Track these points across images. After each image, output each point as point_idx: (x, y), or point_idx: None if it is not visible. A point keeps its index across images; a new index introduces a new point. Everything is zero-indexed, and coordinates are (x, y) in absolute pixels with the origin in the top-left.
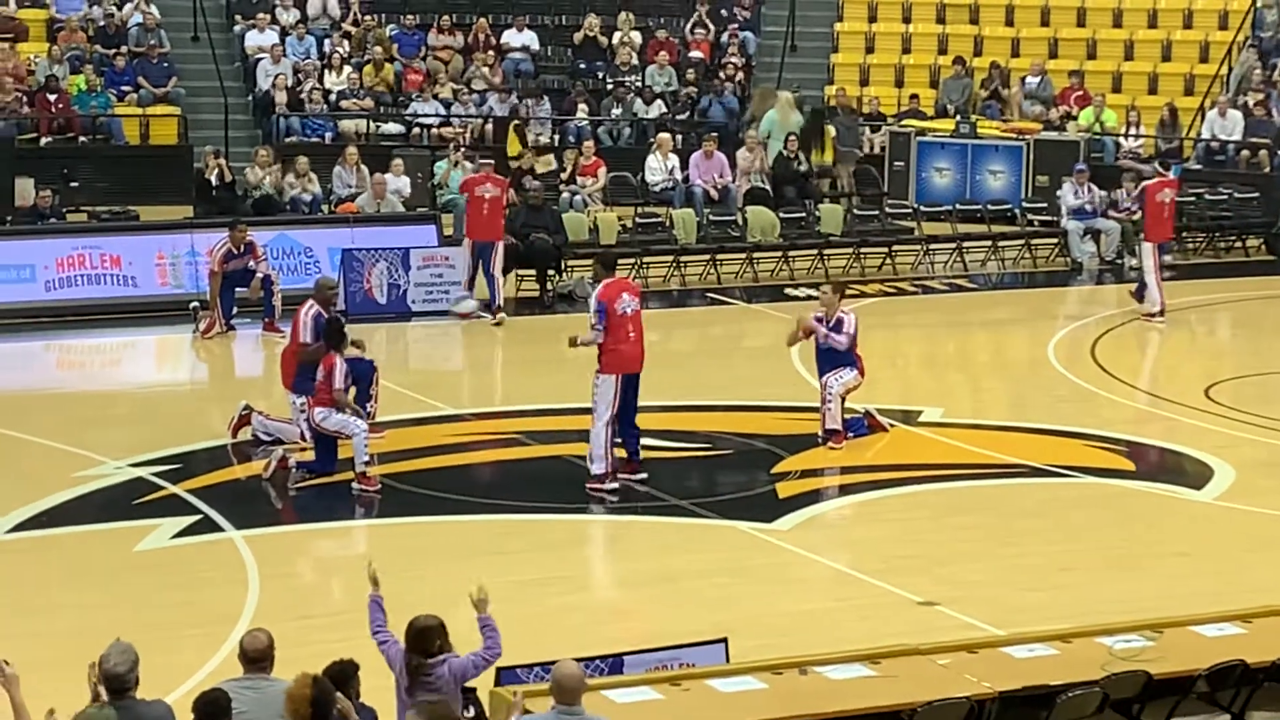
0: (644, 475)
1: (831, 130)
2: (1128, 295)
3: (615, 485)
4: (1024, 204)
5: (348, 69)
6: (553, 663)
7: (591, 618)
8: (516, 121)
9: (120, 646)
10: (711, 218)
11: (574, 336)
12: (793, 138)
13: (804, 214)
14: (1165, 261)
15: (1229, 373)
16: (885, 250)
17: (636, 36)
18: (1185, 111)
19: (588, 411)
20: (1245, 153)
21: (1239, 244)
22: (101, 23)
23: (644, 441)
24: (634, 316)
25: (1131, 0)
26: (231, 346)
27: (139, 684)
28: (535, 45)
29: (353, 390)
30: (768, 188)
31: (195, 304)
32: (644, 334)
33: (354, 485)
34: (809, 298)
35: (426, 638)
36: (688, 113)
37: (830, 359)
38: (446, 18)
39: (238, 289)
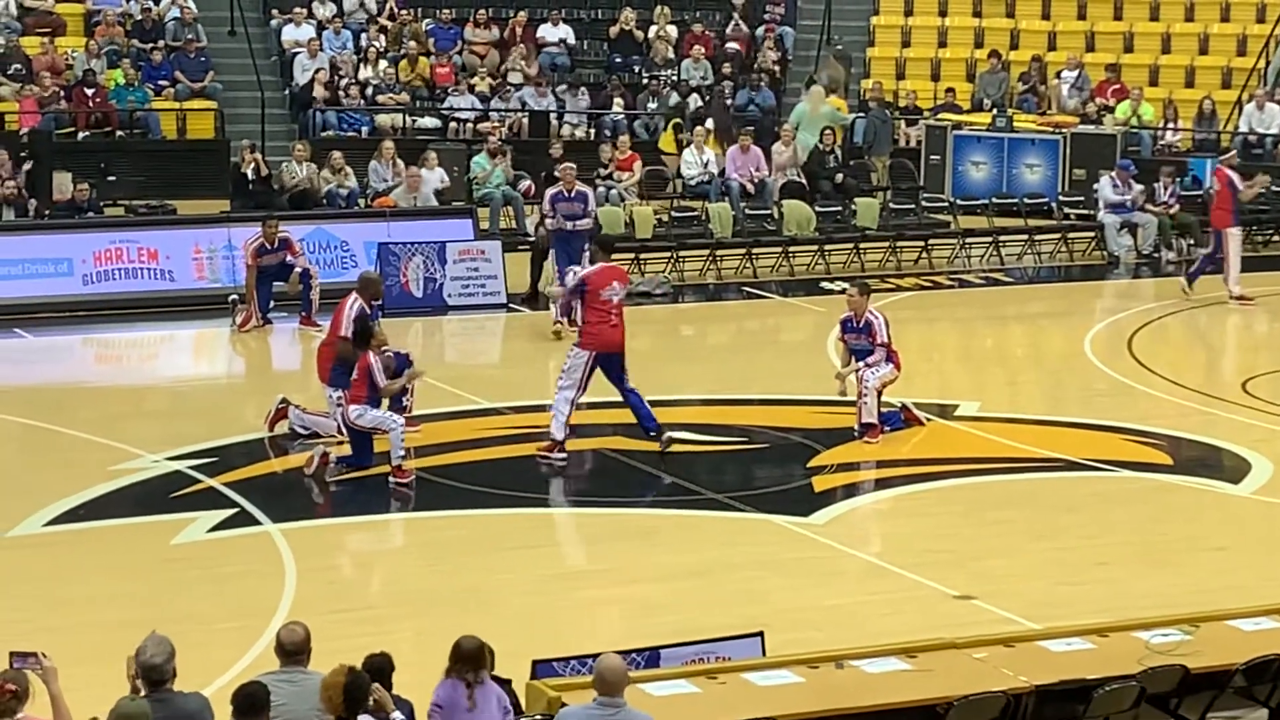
0: (666, 436)
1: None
2: (1178, 288)
3: (563, 456)
4: (1060, 198)
5: (383, 63)
6: (588, 656)
7: (627, 611)
8: (678, 120)
9: (157, 638)
10: (747, 211)
11: (550, 289)
12: (828, 131)
13: (840, 208)
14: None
15: (1267, 366)
16: (921, 244)
17: (673, 30)
18: (1222, 105)
19: (623, 405)
20: None
21: (1277, 238)
22: (139, 17)
23: (680, 435)
24: (619, 305)
25: None
26: (268, 340)
27: (176, 676)
28: (571, 39)
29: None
30: (804, 181)
31: (234, 297)
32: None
33: (390, 479)
34: (844, 291)
35: (479, 657)
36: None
37: (864, 354)
38: (482, 12)
39: (275, 283)
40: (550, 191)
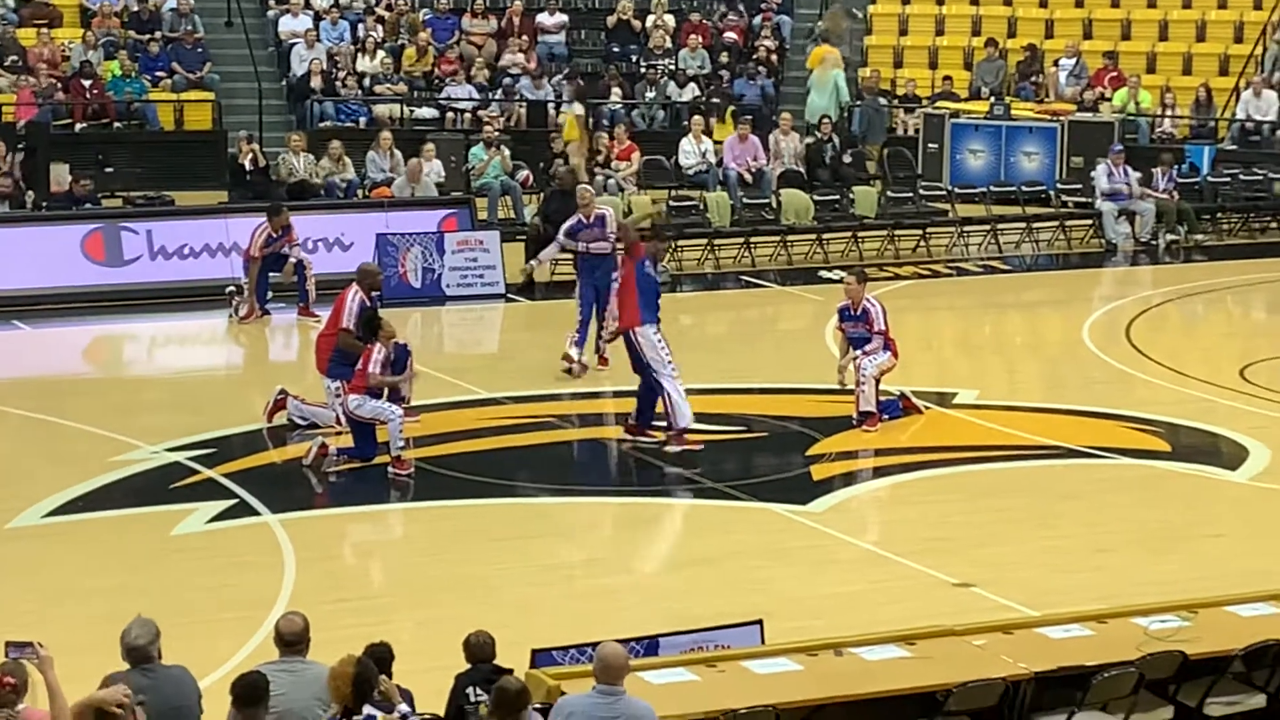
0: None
1: (578, 110)
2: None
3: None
4: (1058, 185)
5: (381, 53)
6: (588, 644)
7: (627, 599)
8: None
9: (141, 621)
10: (745, 200)
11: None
12: (826, 120)
13: (838, 196)
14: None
15: (1264, 353)
16: (919, 232)
17: (670, 20)
18: (1220, 92)
19: (622, 395)
20: None
21: (1274, 224)
22: (135, 8)
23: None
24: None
25: None
26: (266, 331)
27: (161, 658)
28: (569, 28)
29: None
30: (802, 170)
31: (231, 288)
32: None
33: (389, 469)
34: (842, 280)
35: (522, 699)
36: (721, 96)
37: (861, 342)
38: (480, 2)
39: (271, 274)
40: (568, 224)
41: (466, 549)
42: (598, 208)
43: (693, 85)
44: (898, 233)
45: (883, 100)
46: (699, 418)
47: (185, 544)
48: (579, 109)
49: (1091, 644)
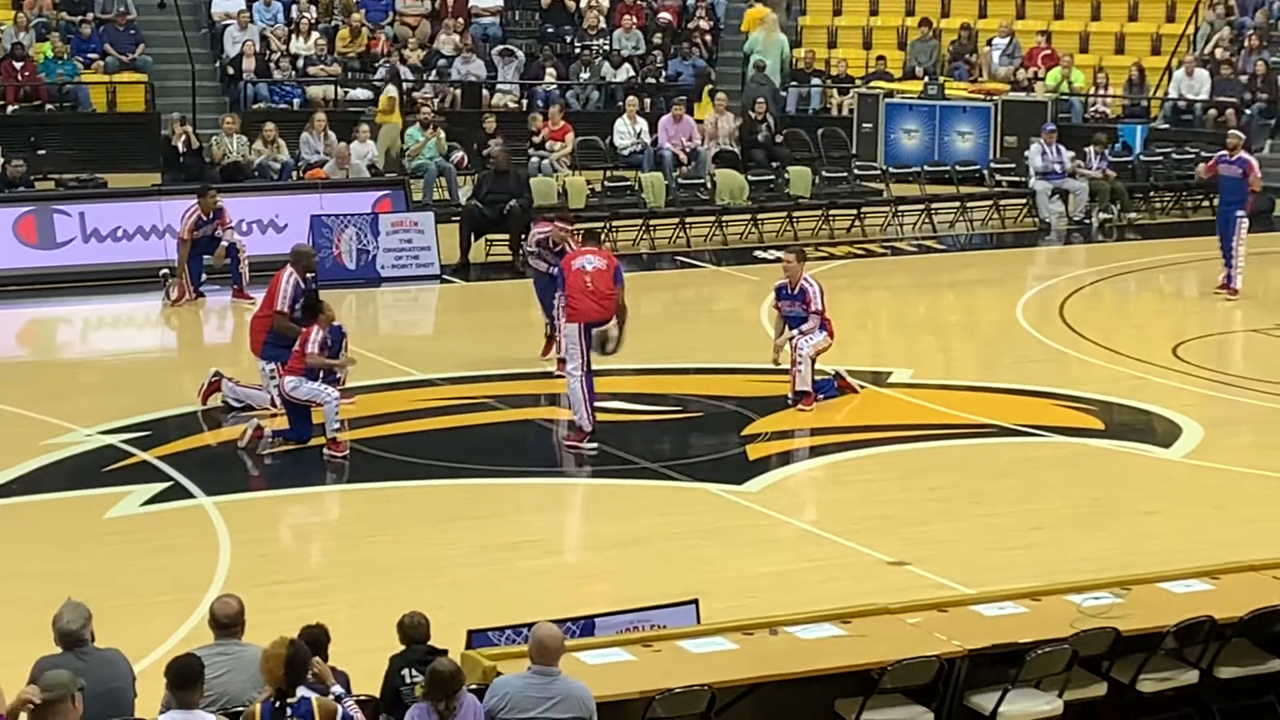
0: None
1: (391, 92)
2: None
3: (593, 446)
4: (992, 165)
5: (315, 34)
6: (524, 625)
7: (562, 580)
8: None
9: (72, 604)
10: (680, 181)
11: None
12: (761, 102)
13: (773, 176)
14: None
15: (1196, 331)
16: (854, 212)
17: (604, 0)
18: (1152, 71)
19: (558, 377)
20: (1212, 112)
21: (1206, 203)
22: None
23: (614, 405)
24: (594, 273)
25: None
26: (200, 314)
27: (94, 640)
28: (503, 9)
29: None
30: (736, 150)
31: (164, 271)
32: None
33: (324, 451)
34: (778, 260)
35: (456, 680)
36: (656, 77)
37: (797, 321)
38: None
39: (205, 256)
40: (538, 234)
41: (402, 530)
42: (567, 242)
43: (627, 66)
44: (832, 213)
45: (768, 79)
46: (635, 397)
47: (119, 527)
48: (392, 90)
49: (1025, 621)
